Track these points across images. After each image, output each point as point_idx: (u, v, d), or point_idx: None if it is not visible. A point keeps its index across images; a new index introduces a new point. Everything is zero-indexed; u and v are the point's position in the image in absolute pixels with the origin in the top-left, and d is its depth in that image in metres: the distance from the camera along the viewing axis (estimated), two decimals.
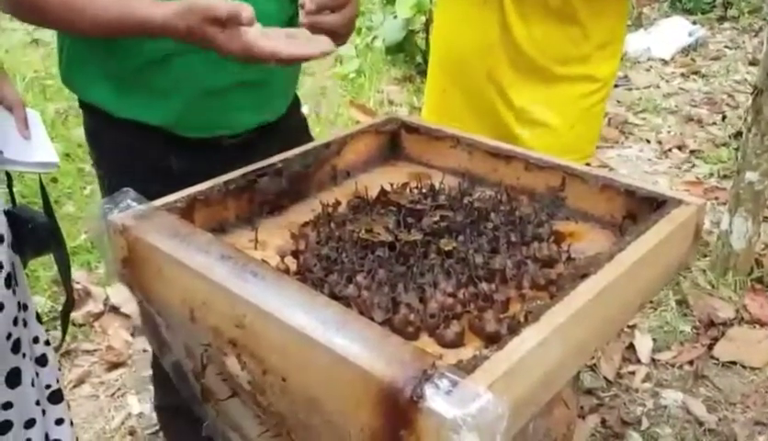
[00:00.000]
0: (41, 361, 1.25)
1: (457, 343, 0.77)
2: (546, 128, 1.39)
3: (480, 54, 1.40)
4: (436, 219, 0.96)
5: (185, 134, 1.17)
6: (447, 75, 1.51)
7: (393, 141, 1.25)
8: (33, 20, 1.11)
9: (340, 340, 0.65)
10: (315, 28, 1.06)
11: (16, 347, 1.16)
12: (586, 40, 1.35)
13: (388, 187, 1.08)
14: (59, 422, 1.28)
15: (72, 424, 1.31)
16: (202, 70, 1.10)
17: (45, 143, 1.32)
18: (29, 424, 1.21)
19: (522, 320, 0.75)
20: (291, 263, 0.92)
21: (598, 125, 1.48)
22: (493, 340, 0.75)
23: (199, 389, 0.89)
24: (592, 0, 1.32)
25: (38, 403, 1.23)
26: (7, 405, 1.16)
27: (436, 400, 0.58)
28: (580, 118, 1.40)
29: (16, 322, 1.15)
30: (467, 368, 0.63)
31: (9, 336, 1.13)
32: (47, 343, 1.27)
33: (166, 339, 0.89)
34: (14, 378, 1.16)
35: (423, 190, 1.07)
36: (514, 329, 0.71)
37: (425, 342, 0.78)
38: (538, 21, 1.33)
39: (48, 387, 1.26)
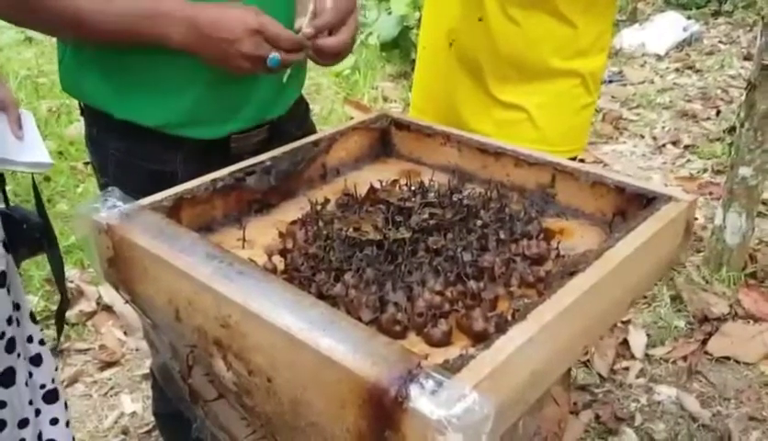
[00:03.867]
0: (35, 361, 1.24)
1: (444, 341, 0.77)
2: (528, 122, 1.38)
3: (462, 47, 1.40)
4: (425, 216, 0.95)
5: (194, 135, 1.13)
6: (428, 65, 1.52)
7: (384, 138, 1.24)
8: (29, 22, 1.07)
9: (326, 340, 0.65)
10: (317, 53, 1.07)
11: (10, 347, 1.15)
12: (574, 35, 1.34)
13: (377, 185, 1.07)
14: (53, 421, 1.28)
15: (68, 424, 1.30)
16: None
17: (38, 144, 1.31)
18: (23, 423, 1.21)
19: (510, 318, 0.75)
20: (279, 262, 0.91)
21: (586, 120, 1.47)
22: (481, 338, 0.74)
23: (187, 390, 0.88)
24: None
25: (31, 403, 1.22)
26: (1, 405, 1.16)
27: (421, 400, 0.57)
28: (565, 113, 1.39)
29: (10, 321, 1.15)
30: (453, 368, 0.63)
31: (3, 335, 1.13)
32: (41, 342, 1.26)
33: (153, 340, 0.89)
34: (8, 378, 1.16)
35: (413, 188, 1.06)
36: (502, 327, 0.70)
37: (413, 341, 0.78)
38: (523, 17, 1.32)
39: (42, 386, 1.25)
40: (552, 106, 1.38)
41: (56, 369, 1.30)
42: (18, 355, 1.18)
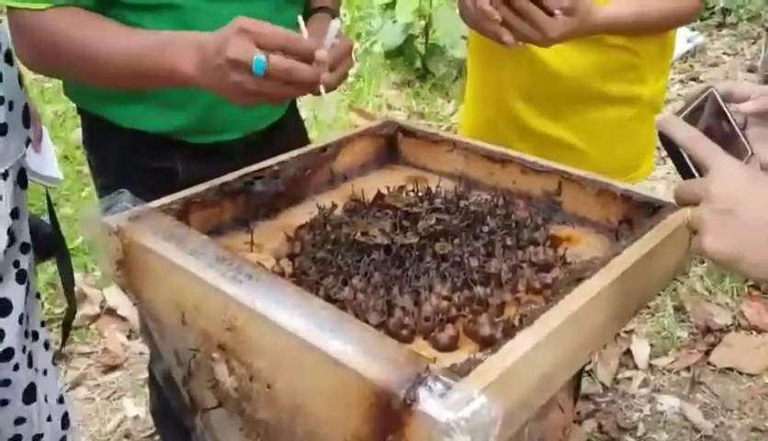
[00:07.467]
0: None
1: (451, 346, 0.77)
2: (581, 159, 1.28)
3: (508, 82, 1.34)
4: (432, 222, 0.96)
5: (196, 141, 1.15)
6: (475, 103, 1.46)
7: (391, 144, 1.25)
8: (51, 68, 1.07)
9: (334, 343, 0.65)
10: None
11: (30, 362, 1.15)
12: (630, 62, 1.27)
13: (384, 191, 1.07)
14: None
15: (50, 418, 1.30)
16: None
17: (52, 159, 1.34)
18: (36, 439, 1.21)
19: (516, 323, 0.75)
20: (287, 265, 0.92)
21: (644, 147, 1.40)
22: (488, 344, 0.75)
23: (188, 397, 0.88)
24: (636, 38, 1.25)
25: (49, 419, 1.22)
26: (21, 421, 1.16)
27: (430, 403, 0.58)
28: (620, 145, 1.34)
29: (27, 335, 1.15)
30: (461, 372, 0.63)
31: (24, 349, 1.13)
32: (46, 345, 1.26)
33: (157, 345, 0.89)
34: (30, 395, 1.16)
35: (420, 193, 1.07)
36: (509, 333, 0.71)
37: (420, 345, 0.78)
38: (571, 50, 1.23)
39: None
40: (605, 139, 1.32)
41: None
42: (37, 370, 1.18)
